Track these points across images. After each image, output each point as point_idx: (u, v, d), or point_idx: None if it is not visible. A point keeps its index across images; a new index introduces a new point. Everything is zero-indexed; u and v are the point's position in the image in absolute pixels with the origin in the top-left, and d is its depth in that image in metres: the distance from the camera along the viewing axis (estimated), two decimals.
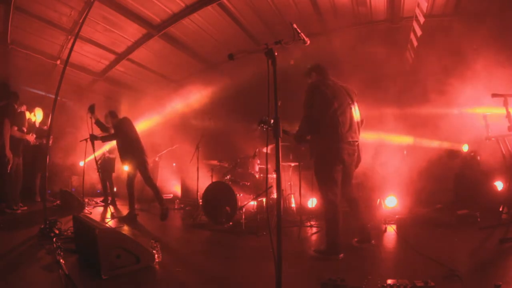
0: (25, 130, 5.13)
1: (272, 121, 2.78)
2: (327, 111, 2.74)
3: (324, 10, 5.08)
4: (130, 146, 4.66)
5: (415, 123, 5.27)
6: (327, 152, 2.75)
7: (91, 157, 7.14)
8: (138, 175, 4.71)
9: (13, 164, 4.76)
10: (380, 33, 5.48)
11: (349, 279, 1.91)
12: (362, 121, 3.06)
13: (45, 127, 5.69)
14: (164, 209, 4.50)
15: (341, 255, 2.64)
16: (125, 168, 4.88)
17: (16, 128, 4.85)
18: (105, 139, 5.00)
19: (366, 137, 4.95)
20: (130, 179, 4.72)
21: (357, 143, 2.92)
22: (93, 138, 4.78)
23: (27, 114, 5.38)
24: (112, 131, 4.85)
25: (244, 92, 7.30)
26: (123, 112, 7.84)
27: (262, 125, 2.76)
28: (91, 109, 4.78)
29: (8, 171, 4.50)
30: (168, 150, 6.65)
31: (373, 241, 2.96)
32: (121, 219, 4.52)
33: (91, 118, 4.77)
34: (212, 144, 6.42)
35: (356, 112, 2.96)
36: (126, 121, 4.82)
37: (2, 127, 4.40)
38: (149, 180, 4.62)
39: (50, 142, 5.48)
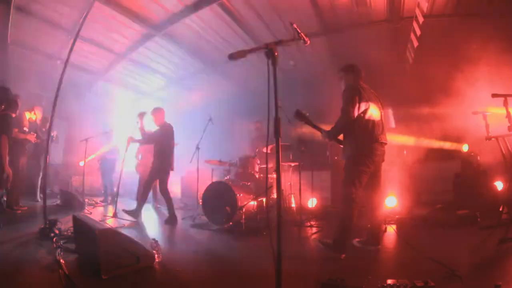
0: (27, 130, 5.13)
1: (307, 114, 2.97)
2: (365, 114, 2.87)
3: (324, 10, 5.08)
4: (168, 152, 4.74)
5: (415, 123, 5.28)
6: (363, 152, 2.84)
7: (93, 155, 7.17)
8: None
9: (17, 164, 4.77)
10: (380, 33, 5.48)
11: (349, 279, 1.91)
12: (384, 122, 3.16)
13: (44, 129, 5.67)
14: (173, 216, 4.56)
15: (343, 255, 2.65)
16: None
17: (16, 130, 4.85)
18: (144, 142, 5.05)
19: None
20: (149, 181, 4.78)
21: (385, 145, 3.01)
22: (132, 141, 4.90)
23: (27, 114, 5.37)
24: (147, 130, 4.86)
25: (244, 91, 7.32)
26: (123, 112, 7.87)
27: (299, 118, 2.96)
28: (141, 116, 4.83)
29: (9, 187, 4.43)
30: None
31: (379, 246, 2.97)
32: (127, 212, 4.58)
33: (137, 123, 4.80)
34: (212, 144, 6.42)
35: (381, 115, 3.07)
36: (171, 127, 4.88)
37: None
38: (166, 189, 4.70)
39: (54, 136, 5.50)
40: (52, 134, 5.49)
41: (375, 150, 2.88)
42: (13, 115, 4.49)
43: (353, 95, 2.87)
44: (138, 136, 4.97)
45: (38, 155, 5.58)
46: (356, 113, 2.84)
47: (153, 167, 4.77)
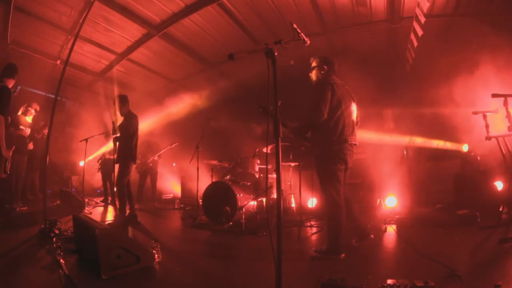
0: (23, 128, 5.08)
1: (271, 108, 2.73)
2: (336, 112, 2.71)
3: (324, 10, 5.08)
4: (129, 142, 4.49)
5: (415, 123, 5.28)
6: (331, 152, 2.71)
7: (93, 155, 7.18)
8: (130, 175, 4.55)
9: (13, 163, 4.73)
10: (380, 33, 5.48)
11: (349, 279, 1.91)
12: (357, 122, 3.06)
13: (44, 131, 5.63)
14: (129, 216, 4.30)
15: (343, 255, 2.63)
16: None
17: (12, 129, 4.82)
18: (123, 137, 4.66)
19: (366, 137, 4.97)
20: (127, 180, 4.53)
21: (355, 145, 2.90)
22: (117, 140, 4.65)
23: (28, 118, 5.34)
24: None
25: (244, 92, 7.32)
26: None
27: (261, 110, 2.60)
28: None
29: (8, 171, 4.19)
30: (168, 148, 6.65)
31: (372, 236, 2.93)
32: (122, 221, 4.48)
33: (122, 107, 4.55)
34: (212, 144, 6.41)
35: (355, 114, 2.96)
36: (136, 116, 4.64)
37: None
38: (123, 184, 4.43)
39: (45, 134, 5.45)
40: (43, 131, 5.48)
41: (345, 150, 2.73)
42: (11, 84, 3.87)
43: (326, 92, 2.68)
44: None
45: (33, 155, 5.54)
46: (328, 112, 2.66)
47: (123, 165, 4.49)
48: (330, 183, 2.71)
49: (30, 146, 5.35)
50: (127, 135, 4.52)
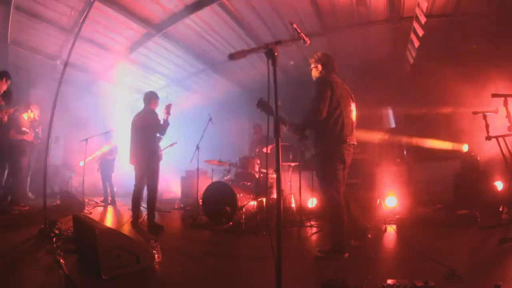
0: (26, 130, 5.03)
1: (269, 103, 2.38)
2: (335, 111, 2.68)
3: (324, 10, 5.08)
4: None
5: (415, 123, 5.29)
6: (331, 152, 2.69)
7: (92, 156, 7.16)
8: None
9: (18, 165, 4.75)
10: (380, 33, 5.49)
11: (349, 279, 1.91)
12: (356, 122, 3.02)
13: (38, 130, 5.58)
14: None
15: (346, 254, 2.61)
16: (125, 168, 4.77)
17: (14, 132, 4.77)
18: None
19: (366, 137, 4.97)
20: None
21: (354, 145, 2.87)
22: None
23: (25, 115, 5.30)
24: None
25: (244, 91, 7.33)
26: (123, 112, 7.87)
27: (260, 107, 2.46)
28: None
29: None
30: (167, 147, 6.65)
31: (369, 235, 2.92)
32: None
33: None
34: (212, 144, 6.41)
35: (354, 114, 2.93)
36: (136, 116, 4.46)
37: None
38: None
39: (39, 132, 5.43)
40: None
41: (344, 150, 2.70)
42: (5, 85, 4.06)
43: (325, 90, 2.65)
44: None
45: (29, 155, 5.50)
46: (327, 111, 2.63)
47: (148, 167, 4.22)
48: (330, 183, 2.68)
49: (35, 140, 5.30)
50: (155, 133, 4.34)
